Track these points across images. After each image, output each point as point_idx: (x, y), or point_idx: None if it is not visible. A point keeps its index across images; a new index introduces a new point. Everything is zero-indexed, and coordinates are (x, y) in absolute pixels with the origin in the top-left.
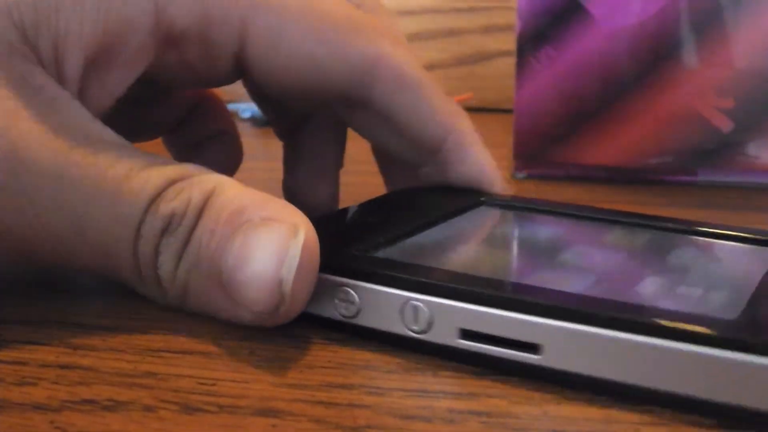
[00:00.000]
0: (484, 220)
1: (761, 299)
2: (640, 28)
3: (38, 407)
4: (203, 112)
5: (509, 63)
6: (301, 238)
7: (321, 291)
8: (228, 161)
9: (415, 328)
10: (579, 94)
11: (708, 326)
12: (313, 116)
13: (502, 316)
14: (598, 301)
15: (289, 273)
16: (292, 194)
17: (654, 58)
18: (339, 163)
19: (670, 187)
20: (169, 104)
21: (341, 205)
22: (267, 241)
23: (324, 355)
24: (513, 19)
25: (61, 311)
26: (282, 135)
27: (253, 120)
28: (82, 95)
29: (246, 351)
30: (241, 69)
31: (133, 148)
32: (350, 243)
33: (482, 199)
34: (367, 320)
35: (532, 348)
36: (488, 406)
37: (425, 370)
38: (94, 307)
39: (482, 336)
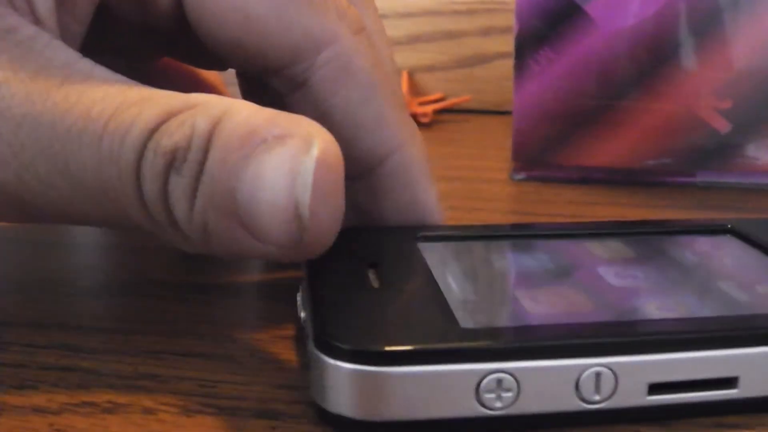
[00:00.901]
0: (473, 255)
1: None
2: (639, 29)
3: (38, 410)
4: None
5: (508, 65)
6: (314, 150)
7: (448, 387)
8: None
9: (597, 398)
10: (578, 95)
11: None
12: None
13: (696, 358)
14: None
15: (304, 192)
16: None
17: (653, 59)
18: None
19: (669, 189)
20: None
21: None
22: (278, 161)
23: None
24: (512, 21)
25: (61, 313)
26: (244, 95)
27: None
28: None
29: (246, 353)
30: (181, 13)
31: (132, 83)
32: (423, 317)
33: (419, 235)
34: (530, 406)
35: (729, 383)
36: None
37: None
38: (94, 309)
39: (673, 385)
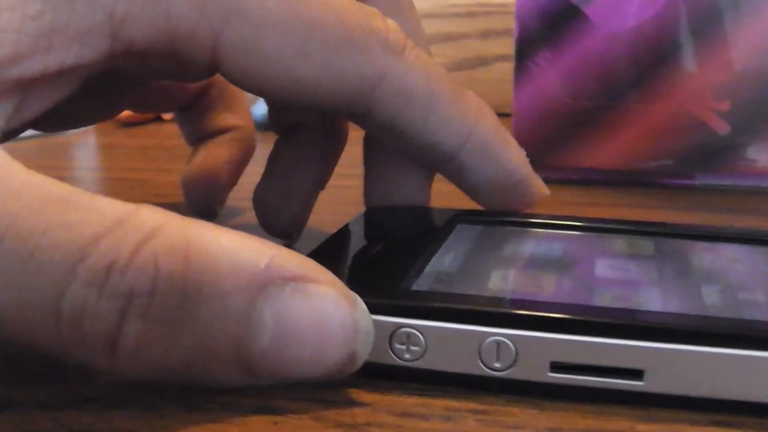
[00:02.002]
0: (483, 239)
1: None
2: (638, 31)
3: (42, 405)
4: (218, 102)
5: (508, 67)
6: (360, 302)
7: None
8: (235, 158)
9: (497, 365)
10: (577, 97)
11: None
12: (307, 124)
13: (602, 344)
14: (698, 319)
15: (365, 347)
16: (257, 206)
17: (652, 61)
18: (319, 183)
19: (668, 190)
20: (178, 86)
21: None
22: (320, 313)
23: None
24: (512, 23)
25: None
26: (276, 128)
27: (257, 124)
28: (17, 107)
29: None
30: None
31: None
32: (386, 276)
33: (456, 216)
34: (435, 363)
35: (635, 374)
36: (485, 404)
37: None
38: None
39: (577, 367)
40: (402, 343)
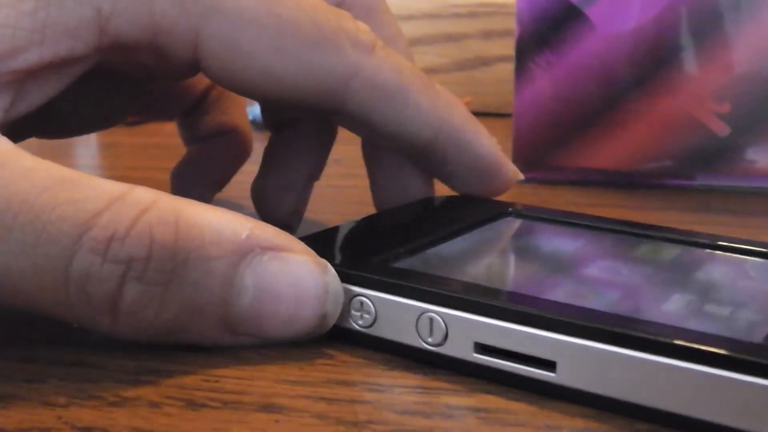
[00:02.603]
0: (508, 232)
1: None
2: (639, 32)
3: (46, 403)
4: (216, 105)
5: (509, 68)
6: (331, 269)
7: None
8: (231, 159)
9: (430, 340)
10: (578, 98)
11: (728, 348)
12: (300, 116)
13: (519, 331)
14: (618, 319)
15: (336, 308)
16: (256, 200)
17: (653, 62)
18: (313, 175)
19: (668, 191)
20: (178, 90)
21: (350, 211)
22: (295, 277)
23: (325, 352)
24: (512, 24)
25: None
26: (269, 126)
27: (255, 123)
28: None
29: (249, 349)
30: (196, 67)
31: (49, 164)
32: (369, 252)
33: (509, 209)
34: (383, 331)
35: (548, 365)
36: (485, 402)
37: (424, 368)
38: None
39: (498, 351)
40: (357, 310)
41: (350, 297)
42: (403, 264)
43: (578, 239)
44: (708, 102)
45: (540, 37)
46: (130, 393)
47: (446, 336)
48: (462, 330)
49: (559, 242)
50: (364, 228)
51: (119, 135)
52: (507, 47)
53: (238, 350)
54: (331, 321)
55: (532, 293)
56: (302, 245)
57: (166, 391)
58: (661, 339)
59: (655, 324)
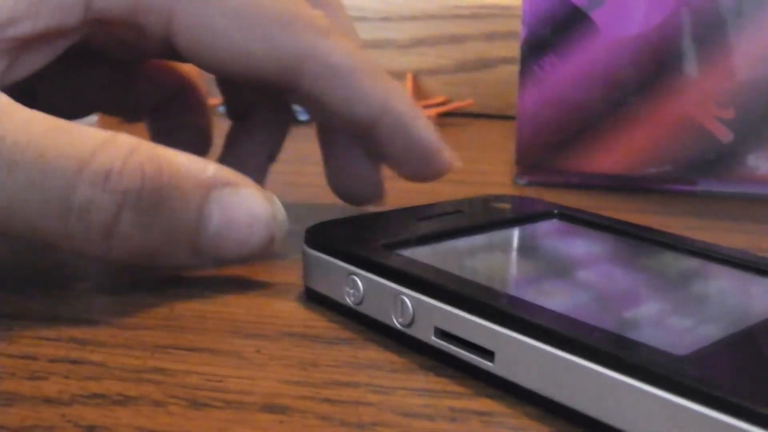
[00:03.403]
0: (535, 233)
1: (744, 339)
2: (643, 38)
3: (49, 401)
4: (182, 102)
5: (511, 70)
6: (275, 198)
7: (336, 276)
8: (193, 152)
9: (401, 321)
10: (581, 102)
11: (644, 360)
12: (258, 105)
13: (466, 319)
14: (558, 318)
15: (281, 228)
16: None
17: (656, 67)
18: (269, 158)
19: (670, 197)
20: (147, 87)
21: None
22: (247, 205)
23: (329, 353)
24: (516, 26)
25: (71, 307)
26: (231, 115)
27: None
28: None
29: (252, 349)
30: (173, 49)
31: (43, 115)
32: (380, 237)
33: (555, 211)
34: (368, 309)
35: (488, 354)
36: (489, 406)
37: (428, 370)
38: (103, 304)
39: (454, 337)
40: (350, 287)
41: (346, 274)
42: (405, 251)
43: (598, 244)
44: (711, 107)
45: (545, 40)
46: (134, 392)
47: (413, 318)
48: (425, 314)
49: (576, 246)
50: (395, 215)
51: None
52: (509, 49)
53: (240, 350)
54: (278, 243)
55: (500, 288)
56: (251, 181)
57: (170, 390)
58: (586, 343)
59: (592, 328)
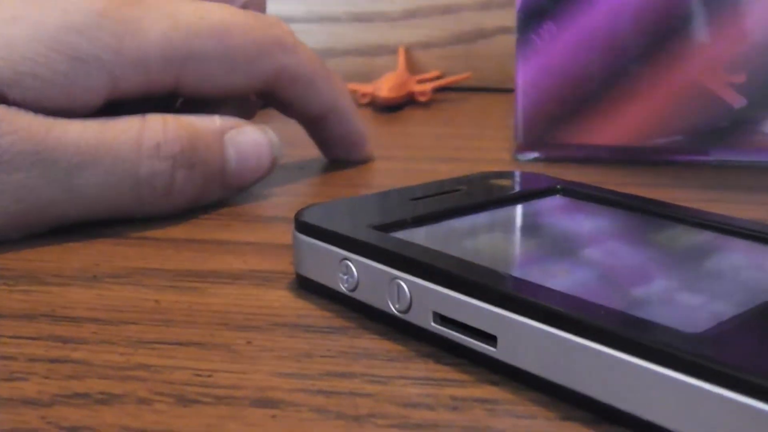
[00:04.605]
0: (539, 210)
1: (761, 314)
2: (648, 0)
3: (28, 402)
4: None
5: (509, 40)
6: (271, 131)
7: (328, 262)
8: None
9: (398, 307)
10: (584, 71)
11: (655, 339)
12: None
13: (466, 303)
14: (566, 300)
15: (279, 150)
16: None
17: (662, 32)
18: None
19: (681, 168)
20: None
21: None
22: (250, 138)
23: (323, 344)
24: None
25: (49, 304)
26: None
27: None
28: None
29: (242, 341)
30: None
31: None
32: (373, 219)
33: (558, 187)
34: (363, 295)
35: (490, 339)
36: (493, 393)
37: (427, 358)
38: (84, 298)
39: (454, 322)
40: (344, 273)
41: (339, 259)
42: (401, 233)
43: (605, 220)
44: (721, 72)
45: (542, 8)
46: (118, 389)
47: (410, 304)
48: (423, 298)
49: (581, 222)
50: (389, 196)
51: None
52: (506, 18)
53: (230, 343)
54: (278, 161)
55: (501, 269)
56: (244, 120)
57: (156, 386)
58: (593, 323)
59: (599, 308)
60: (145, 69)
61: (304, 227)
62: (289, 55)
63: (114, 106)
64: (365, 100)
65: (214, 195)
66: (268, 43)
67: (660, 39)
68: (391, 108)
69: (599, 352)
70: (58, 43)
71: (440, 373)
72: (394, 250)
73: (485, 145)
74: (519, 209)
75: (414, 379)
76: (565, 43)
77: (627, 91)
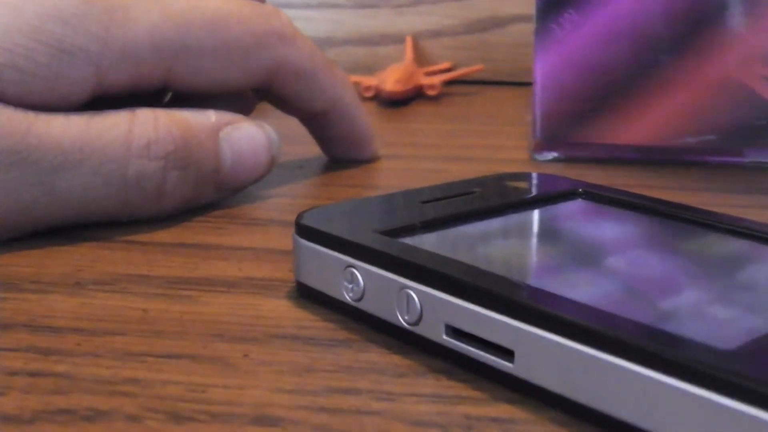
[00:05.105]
0: (558, 214)
1: None
2: None
3: (8, 419)
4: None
5: (526, 29)
6: (266, 125)
7: (332, 269)
8: None
9: (407, 318)
10: (608, 64)
11: (686, 356)
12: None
13: (481, 314)
14: (589, 312)
15: (278, 148)
16: None
17: (694, 21)
18: None
19: (713, 170)
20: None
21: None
22: (247, 135)
23: (326, 357)
24: None
25: (28, 312)
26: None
27: None
28: None
29: (239, 353)
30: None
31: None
32: (381, 224)
33: (580, 190)
34: (369, 306)
35: (507, 354)
36: (510, 413)
37: (439, 373)
38: (65, 308)
39: (468, 335)
40: (348, 282)
41: (343, 266)
42: (411, 238)
43: (630, 226)
44: (758, 66)
45: None
46: (105, 406)
47: (421, 315)
48: (434, 309)
49: (605, 228)
50: (398, 199)
51: None
52: (523, 5)
53: (225, 356)
54: (277, 159)
55: (519, 278)
56: (241, 116)
57: (146, 402)
58: (617, 338)
59: (625, 322)
60: (135, 61)
61: (305, 231)
62: (288, 48)
63: (99, 102)
64: (369, 94)
65: (207, 196)
66: (266, 35)
67: (692, 29)
68: (397, 103)
69: (625, 368)
70: (40, 33)
71: (453, 390)
72: (403, 256)
73: (499, 143)
74: (537, 214)
75: (424, 396)
76: (588, 33)
77: (655, 85)
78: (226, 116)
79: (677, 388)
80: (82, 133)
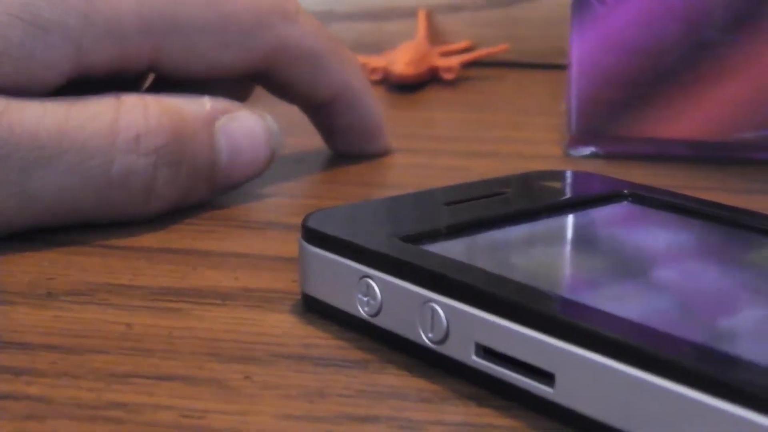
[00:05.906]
0: (602, 218)
1: None
2: None
3: None
4: None
5: (560, 3)
6: (266, 114)
7: (344, 280)
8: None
9: (431, 336)
10: (655, 46)
11: (749, 381)
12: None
13: (517, 332)
14: (638, 331)
15: (279, 142)
16: None
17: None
18: None
19: None
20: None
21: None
22: (245, 127)
23: (339, 380)
24: None
25: None
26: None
27: None
28: None
29: (239, 375)
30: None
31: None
32: (402, 229)
33: (625, 192)
34: (388, 322)
35: (546, 377)
36: (535, 427)
37: (468, 399)
38: (36, 322)
39: (501, 356)
40: (364, 294)
41: (358, 276)
42: (434, 245)
43: (684, 233)
44: None
45: None
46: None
47: (447, 333)
48: (463, 326)
49: (655, 236)
50: (418, 200)
51: None
52: None
53: (223, 378)
54: (278, 153)
55: (558, 292)
56: (238, 104)
57: (135, 429)
58: (671, 360)
59: (680, 342)
60: (119, 39)
61: (313, 236)
62: (291, 26)
63: (74, 87)
64: (375, 77)
65: (199, 196)
66: (266, 12)
67: (752, 8)
68: (407, 87)
69: (678, 394)
70: (12, 6)
71: (484, 419)
72: (427, 266)
73: (528, 136)
74: (578, 218)
75: (452, 425)
76: (632, 10)
77: (708, 72)
78: (221, 104)
79: (743, 419)
80: (60, 124)
